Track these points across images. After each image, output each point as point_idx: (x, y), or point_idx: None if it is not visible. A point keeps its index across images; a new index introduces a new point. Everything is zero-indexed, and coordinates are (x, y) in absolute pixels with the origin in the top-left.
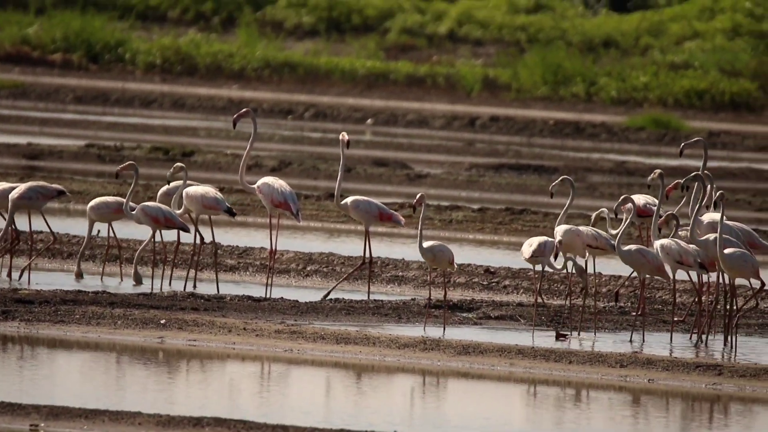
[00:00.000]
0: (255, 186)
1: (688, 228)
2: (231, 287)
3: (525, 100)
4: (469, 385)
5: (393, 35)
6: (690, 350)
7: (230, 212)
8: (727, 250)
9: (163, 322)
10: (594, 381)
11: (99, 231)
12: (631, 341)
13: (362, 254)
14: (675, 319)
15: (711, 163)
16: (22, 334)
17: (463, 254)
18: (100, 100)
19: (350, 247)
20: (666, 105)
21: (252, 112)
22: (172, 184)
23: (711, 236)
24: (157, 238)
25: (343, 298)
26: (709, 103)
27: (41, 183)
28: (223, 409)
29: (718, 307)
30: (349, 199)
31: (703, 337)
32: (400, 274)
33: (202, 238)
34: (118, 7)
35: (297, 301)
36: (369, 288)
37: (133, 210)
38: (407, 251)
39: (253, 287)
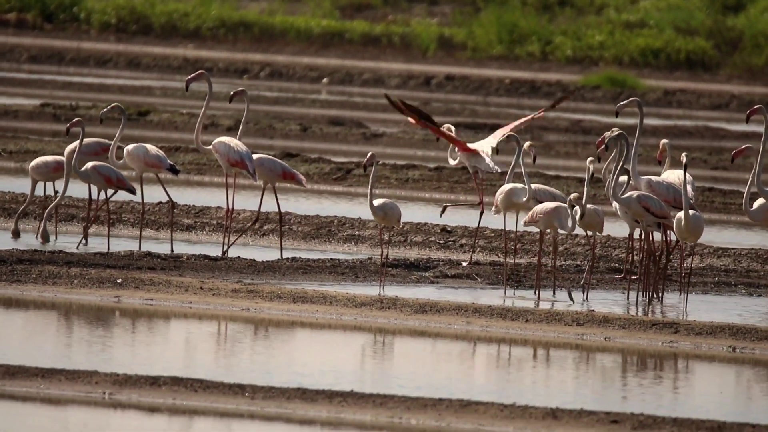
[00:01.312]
0: (210, 146)
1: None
2: (187, 247)
3: (480, 59)
4: (425, 343)
5: None
6: (646, 309)
7: (173, 170)
8: (691, 212)
9: (119, 281)
10: (551, 339)
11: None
12: (586, 299)
13: (257, 210)
14: (632, 277)
15: (667, 122)
16: None
17: (420, 213)
18: (55, 60)
19: (306, 206)
20: (621, 64)
21: (206, 74)
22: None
23: (633, 194)
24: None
25: (300, 257)
26: (665, 62)
27: None
28: (180, 368)
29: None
30: (255, 156)
31: (658, 295)
32: (357, 233)
33: (169, 199)
34: None
35: (254, 260)
36: (281, 245)
37: (82, 168)
38: (363, 210)
39: (209, 246)
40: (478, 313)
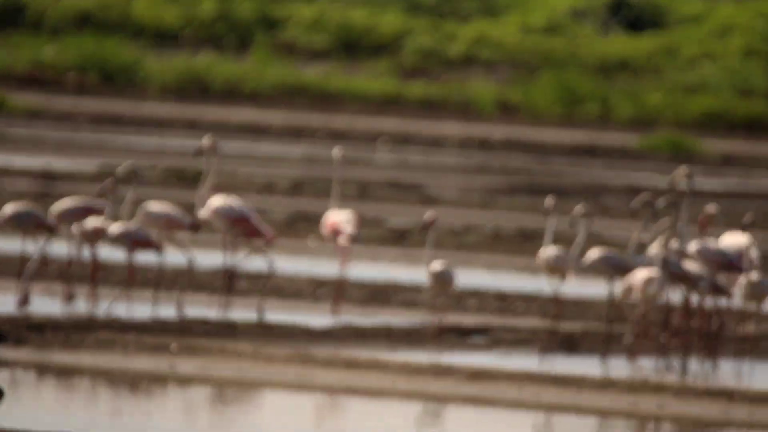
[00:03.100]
0: (205, 211)
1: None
2: (242, 312)
3: (539, 121)
4: (477, 411)
5: (406, 57)
6: (700, 375)
7: (194, 227)
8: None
9: (174, 347)
10: (603, 407)
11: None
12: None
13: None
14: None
15: (727, 185)
16: (34, 361)
17: (476, 277)
18: (114, 123)
19: (362, 270)
20: (680, 126)
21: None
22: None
23: (596, 253)
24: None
25: (354, 323)
26: (724, 124)
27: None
28: None
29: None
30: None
31: (714, 361)
32: (412, 298)
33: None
34: (131, 28)
35: (308, 326)
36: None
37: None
38: (419, 274)
39: (264, 312)
40: (530, 380)
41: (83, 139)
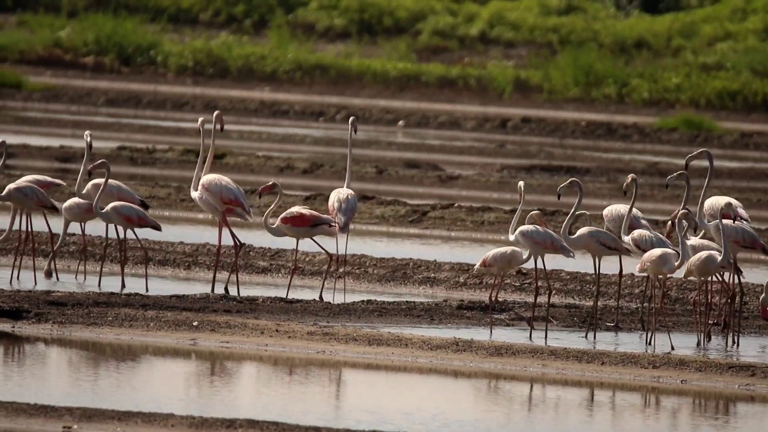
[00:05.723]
0: (197, 191)
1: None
2: (262, 290)
3: (557, 101)
4: (501, 386)
5: (424, 37)
6: (722, 351)
7: (143, 205)
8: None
9: (195, 323)
10: (627, 382)
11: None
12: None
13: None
14: (710, 321)
15: (744, 164)
16: (55, 336)
17: None
18: (132, 103)
19: (382, 248)
20: (698, 106)
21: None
22: (97, 180)
23: (585, 230)
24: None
25: (375, 300)
26: (742, 104)
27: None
28: (256, 410)
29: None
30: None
31: (735, 337)
32: (432, 275)
33: (236, 241)
34: (149, 9)
35: (329, 303)
36: (238, 278)
37: (103, 209)
38: (438, 252)
39: (285, 289)
40: (554, 355)
41: (100, 119)
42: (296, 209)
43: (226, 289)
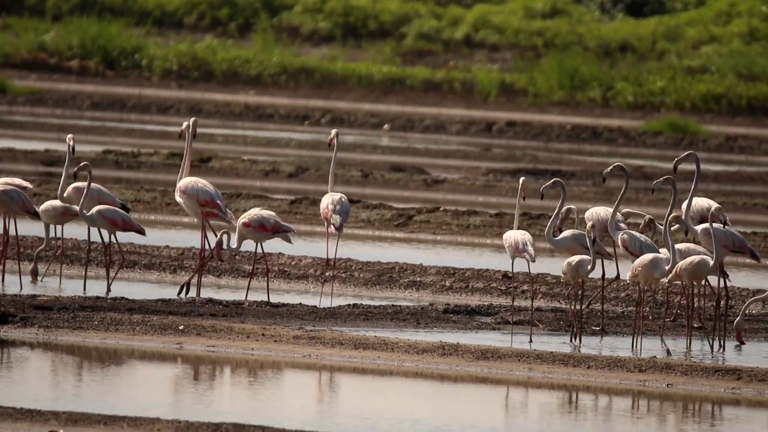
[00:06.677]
0: (178, 192)
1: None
2: (250, 293)
3: (542, 105)
4: (487, 390)
5: (409, 41)
6: (708, 355)
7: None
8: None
9: (181, 327)
10: (613, 386)
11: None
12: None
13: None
14: (695, 324)
15: (729, 168)
16: (41, 340)
17: (481, 259)
18: (116, 107)
19: (368, 252)
20: (683, 109)
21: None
22: (77, 183)
23: (569, 233)
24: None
25: (361, 304)
26: (726, 108)
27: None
28: (242, 414)
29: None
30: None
31: (721, 341)
32: (418, 279)
33: (207, 246)
34: (134, 13)
35: (315, 306)
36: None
37: (87, 213)
38: (424, 256)
39: (271, 293)
40: (540, 359)
41: (85, 123)
42: (255, 212)
43: (194, 292)
